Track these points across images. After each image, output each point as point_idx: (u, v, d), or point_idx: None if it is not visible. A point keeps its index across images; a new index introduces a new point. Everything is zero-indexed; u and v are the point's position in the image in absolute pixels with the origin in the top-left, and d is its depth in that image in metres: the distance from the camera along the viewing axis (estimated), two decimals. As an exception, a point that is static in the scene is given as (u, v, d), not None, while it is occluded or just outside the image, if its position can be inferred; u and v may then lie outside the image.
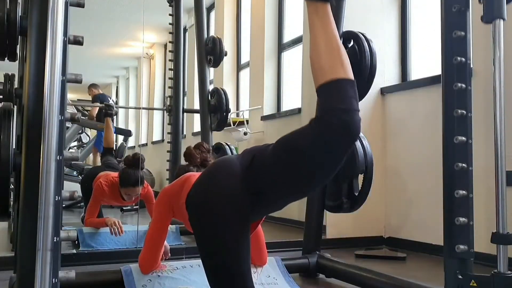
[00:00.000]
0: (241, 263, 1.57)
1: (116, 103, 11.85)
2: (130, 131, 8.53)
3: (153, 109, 9.93)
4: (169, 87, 4.83)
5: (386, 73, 3.92)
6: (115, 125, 7.89)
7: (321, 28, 1.46)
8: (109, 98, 7.84)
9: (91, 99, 7.95)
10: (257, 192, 1.55)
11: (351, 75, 1.44)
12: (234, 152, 4.03)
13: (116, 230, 3.25)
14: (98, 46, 9.43)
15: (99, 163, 7.07)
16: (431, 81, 3.39)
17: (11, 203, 2.54)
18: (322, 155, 1.44)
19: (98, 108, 7.37)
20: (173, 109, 4.74)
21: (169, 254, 2.46)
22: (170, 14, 4.83)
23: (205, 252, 1.62)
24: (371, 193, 2.43)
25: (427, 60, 3.86)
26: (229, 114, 4.43)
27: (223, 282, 1.58)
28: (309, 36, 1.49)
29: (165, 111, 5.13)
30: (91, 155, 8.01)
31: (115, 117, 7.94)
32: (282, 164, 1.50)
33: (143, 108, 10.15)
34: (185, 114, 5.08)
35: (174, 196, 1.96)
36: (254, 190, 1.55)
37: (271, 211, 1.79)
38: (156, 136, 9.72)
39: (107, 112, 4.70)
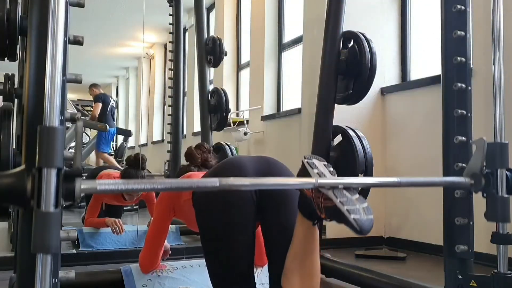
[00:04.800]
0: (246, 259, 1.60)
1: (116, 103, 11.85)
2: (130, 131, 8.54)
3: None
4: (169, 87, 4.82)
5: (386, 73, 3.92)
6: (114, 123, 7.93)
7: (302, 241, 1.46)
8: (110, 98, 7.85)
9: (92, 98, 7.96)
10: (260, 203, 1.61)
11: None
12: (234, 152, 4.03)
13: (117, 229, 3.26)
14: (98, 46, 9.43)
15: (102, 164, 7.09)
16: (431, 81, 3.39)
17: (11, 203, 2.53)
18: None
19: (100, 108, 7.40)
20: (173, 110, 4.75)
21: (170, 252, 2.46)
22: (170, 14, 4.83)
23: (211, 248, 1.64)
24: (371, 193, 2.43)
25: (427, 60, 3.86)
26: (229, 114, 4.43)
27: (226, 278, 1.59)
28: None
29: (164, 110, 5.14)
30: (91, 155, 8.02)
31: (114, 114, 7.99)
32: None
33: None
34: (185, 112, 5.07)
35: (175, 196, 1.96)
36: (261, 197, 1.61)
37: None
38: (156, 136, 9.72)
39: None
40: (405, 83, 3.91)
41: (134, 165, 3.32)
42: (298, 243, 1.45)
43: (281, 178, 1.55)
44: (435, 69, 3.30)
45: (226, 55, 4.43)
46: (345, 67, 2.42)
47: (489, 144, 1.63)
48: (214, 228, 1.61)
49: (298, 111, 4.61)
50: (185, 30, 7.65)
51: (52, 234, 1.01)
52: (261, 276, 2.27)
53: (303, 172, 1.39)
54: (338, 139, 2.45)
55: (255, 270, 2.25)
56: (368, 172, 2.42)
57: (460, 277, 1.73)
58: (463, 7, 1.80)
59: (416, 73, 3.93)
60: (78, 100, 11.69)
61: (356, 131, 2.43)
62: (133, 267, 2.15)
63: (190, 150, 2.35)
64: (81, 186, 1.07)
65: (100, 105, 7.46)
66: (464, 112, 1.78)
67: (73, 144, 8.42)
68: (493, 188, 1.61)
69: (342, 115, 2.85)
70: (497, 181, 1.61)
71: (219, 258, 1.61)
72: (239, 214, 1.58)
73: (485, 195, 1.63)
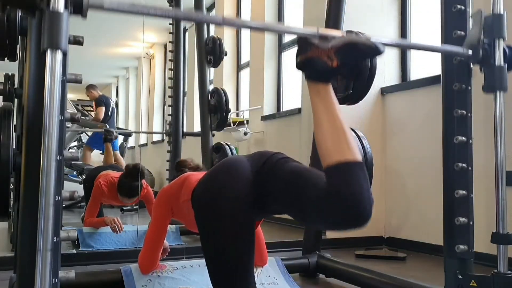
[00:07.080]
0: (246, 260, 1.59)
1: (116, 103, 11.82)
2: (130, 131, 8.52)
3: (153, 133, 9.89)
4: (169, 87, 4.83)
5: (386, 73, 3.92)
6: (115, 125, 7.88)
7: (324, 110, 1.43)
8: (110, 100, 7.78)
9: (91, 101, 7.86)
10: (262, 197, 1.59)
11: (358, 157, 1.41)
12: (234, 152, 4.03)
13: (116, 227, 3.26)
14: (98, 46, 9.42)
15: (89, 160, 7.05)
16: (431, 81, 3.39)
17: (11, 203, 2.54)
18: (326, 217, 1.44)
19: (104, 111, 7.29)
20: (173, 110, 4.75)
21: (169, 250, 2.45)
22: (170, 14, 4.82)
23: (210, 249, 1.63)
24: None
25: (427, 60, 3.86)
26: (229, 114, 4.43)
27: (226, 279, 1.59)
28: (313, 117, 1.47)
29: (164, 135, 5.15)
30: (92, 154, 7.98)
31: (115, 116, 7.94)
32: (289, 192, 1.52)
33: (143, 133, 9.89)
34: (185, 112, 5.07)
35: (173, 196, 1.96)
36: (261, 195, 1.59)
37: (274, 214, 1.81)
38: (156, 136, 9.72)
39: (107, 137, 4.70)
40: (405, 83, 3.91)
41: (131, 176, 3.30)
42: (319, 115, 1.45)
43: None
44: (435, 69, 3.30)
45: (226, 55, 4.43)
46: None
47: (487, 16, 1.64)
48: (215, 227, 1.61)
49: (298, 111, 4.61)
50: (185, 30, 7.65)
51: (62, 33, 1.07)
52: (261, 276, 2.27)
53: (302, 42, 1.51)
54: (338, 139, 2.44)
55: (255, 270, 2.25)
56: (368, 172, 2.41)
57: (460, 277, 1.73)
58: (463, 7, 1.81)
59: (416, 73, 3.93)
60: (78, 100, 11.68)
61: (356, 131, 2.43)
62: (133, 267, 2.15)
63: (181, 160, 2.51)
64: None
65: (103, 108, 7.27)
66: (464, 112, 1.78)
67: (73, 144, 8.43)
68: (491, 58, 1.64)
69: (342, 115, 2.85)
70: (494, 51, 1.64)
71: (221, 257, 1.61)
72: (239, 212, 1.57)
73: (483, 70, 1.68)
